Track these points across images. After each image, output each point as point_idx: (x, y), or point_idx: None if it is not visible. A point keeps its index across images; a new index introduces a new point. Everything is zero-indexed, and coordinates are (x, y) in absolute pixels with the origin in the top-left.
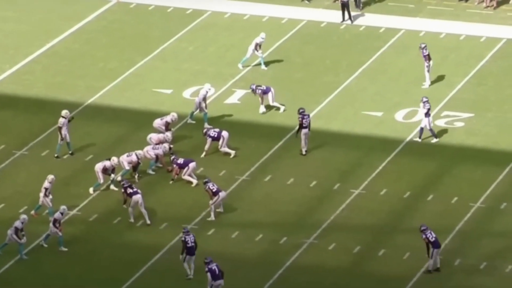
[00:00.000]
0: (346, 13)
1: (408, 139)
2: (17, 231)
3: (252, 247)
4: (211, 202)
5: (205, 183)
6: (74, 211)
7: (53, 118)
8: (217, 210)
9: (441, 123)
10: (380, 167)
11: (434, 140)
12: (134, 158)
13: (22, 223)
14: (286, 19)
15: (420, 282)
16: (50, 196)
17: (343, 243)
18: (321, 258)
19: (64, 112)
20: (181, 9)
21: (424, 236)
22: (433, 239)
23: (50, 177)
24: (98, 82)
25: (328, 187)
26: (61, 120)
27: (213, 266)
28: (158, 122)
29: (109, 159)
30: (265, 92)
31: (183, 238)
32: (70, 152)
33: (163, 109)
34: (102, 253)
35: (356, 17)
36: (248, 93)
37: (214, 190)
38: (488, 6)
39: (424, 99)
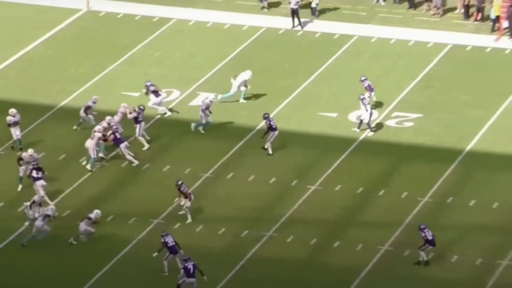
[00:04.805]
0: (296, 19)
1: (361, 138)
2: (46, 218)
3: (215, 240)
4: (187, 203)
5: (181, 184)
6: (49, 207)
7: (27, 120)
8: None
9: (392, 123)
10: (335, 165)
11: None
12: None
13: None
14: (246, 26)
15: (372, 272)
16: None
17: (301, 236)
18: (280, 250)
19: (10, 111)
20: (148, 17)
21: (423, 234)
22: (431, 237)
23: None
24: (70, 86)
25: (287, 184)
26: (9, 118)
27: (189, 265)
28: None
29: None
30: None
31: (162, 240)
32: (20, 147)
33: None
34: (75, 247)
35: (312, 24)
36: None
37: (189, 192)
38: (435, 14)
39: (361, 96)
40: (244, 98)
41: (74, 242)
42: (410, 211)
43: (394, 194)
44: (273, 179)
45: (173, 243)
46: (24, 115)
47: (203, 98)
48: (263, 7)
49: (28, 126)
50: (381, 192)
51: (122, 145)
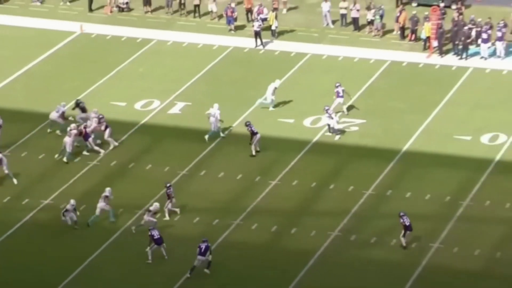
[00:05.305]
0: (258, 40)
1: (314, 140)
2: (106, 199)
3: (191, 227)
4: (169, 204)
5: (168, 187)
6: (48, 200)
7: (30, 126)
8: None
9: (340, 127)
10: (292, 163)
11: (337, 137)
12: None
13: (110, 193)
14: (216, 46)
15: (324, 254)
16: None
17: (263, 223)
18: (246, 236)
19: None
20: (132, 38)
21: (401, 221)
22: (408, 223)
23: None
24: (66, 97)
25: (251, 179)
26: None
27: (203, 246)
28: (54, 115)
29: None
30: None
31: (150, 233)
32: None
33: (119, 118)
34: (72, 232)
35: (272, 44)
36: (187, 105)
37: (173, 195)
38: (376, 35)
39: (326, 108)
40: (273, 106)
41: (134, 231)
42: (356, 202)
43: (342, 188)
44: (240, 176)
45: (159, 236)
46: (27, 121)
47: (214, 109)
48: (230, 30)
49: (31, 131)
50: (331, 186)
51: (90, 139)
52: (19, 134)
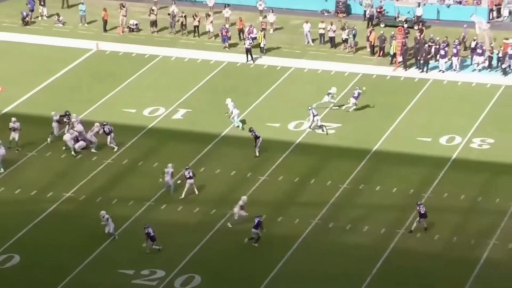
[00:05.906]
0: (249, 56)
1: (297, 142)
2: (172, 174)
3: (191, 216)
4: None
5: (186, 169)
6: (69, 194)
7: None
8: (191, 194)
9: (319, 130)
10: (278, 161)
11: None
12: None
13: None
14: (213, 61)
15: (306, 241)
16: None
17: (254, 213)
18: (239, 224)
19: (12, 119)
20: (141, 54)
21: (418, 208)
22: (423, 211)
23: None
24: (84, 105)
25: (243, 175)
26: (11, 124)
27: (256, 220)
28: (54, 124)
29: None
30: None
31: (146, 231)
32: (17, 148)
33: (130, 123)
34: (90, 221)
35: (261, 59)
36: (188, 111)
37: (187, 176)
38: (349, 51)
39: (310, 107)
40: (332, 107)
41: (230, 226)
42: (333, 194)
43: (321, 182)
44: (234, 172)
45: (153, 233)
46: (51, 126)
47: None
48: (225, 47)
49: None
50: (312, 181)
51: (77, 144)
52: (44, 137)
